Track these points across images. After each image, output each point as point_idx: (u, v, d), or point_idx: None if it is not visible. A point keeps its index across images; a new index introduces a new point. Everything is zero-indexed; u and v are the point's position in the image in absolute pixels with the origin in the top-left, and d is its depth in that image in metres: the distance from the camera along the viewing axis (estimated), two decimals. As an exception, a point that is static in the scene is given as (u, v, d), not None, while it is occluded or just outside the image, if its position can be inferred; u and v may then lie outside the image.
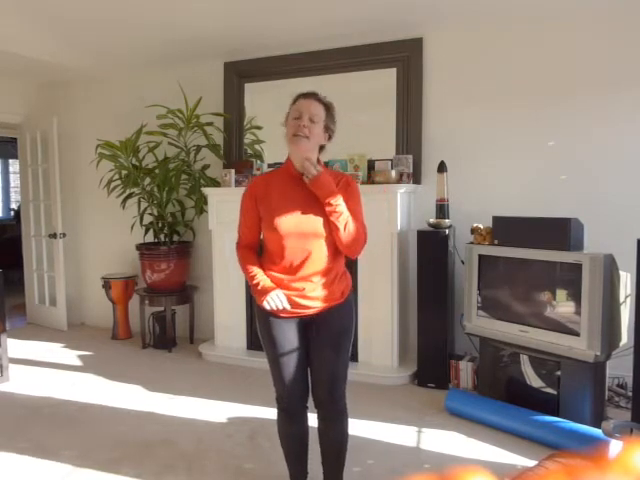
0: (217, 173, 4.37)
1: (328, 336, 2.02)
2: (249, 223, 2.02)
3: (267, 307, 1.91)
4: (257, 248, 2.07)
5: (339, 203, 1.89)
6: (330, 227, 1.92)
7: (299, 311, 1.98)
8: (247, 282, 3.98)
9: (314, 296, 1.97)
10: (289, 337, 2.01)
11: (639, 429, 2.58)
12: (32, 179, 5.35)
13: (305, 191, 1.94)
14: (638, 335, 2.57)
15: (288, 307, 1.92)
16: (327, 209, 1.89)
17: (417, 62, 3.83)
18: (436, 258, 3.46)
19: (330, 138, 2.00)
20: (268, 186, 1.99)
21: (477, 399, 3.07)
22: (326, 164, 2.14)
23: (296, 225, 1.91)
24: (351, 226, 1.91)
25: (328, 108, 1.97)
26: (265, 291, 1.92)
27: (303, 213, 1.93)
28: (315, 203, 1.92)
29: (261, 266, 2.00)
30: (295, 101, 1.97)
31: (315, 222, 1.92)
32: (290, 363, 2.02)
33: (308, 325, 2.03)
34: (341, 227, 1.89)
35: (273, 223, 1.91)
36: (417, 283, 3.55)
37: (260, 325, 2.07)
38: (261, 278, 1.96)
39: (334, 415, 2.11)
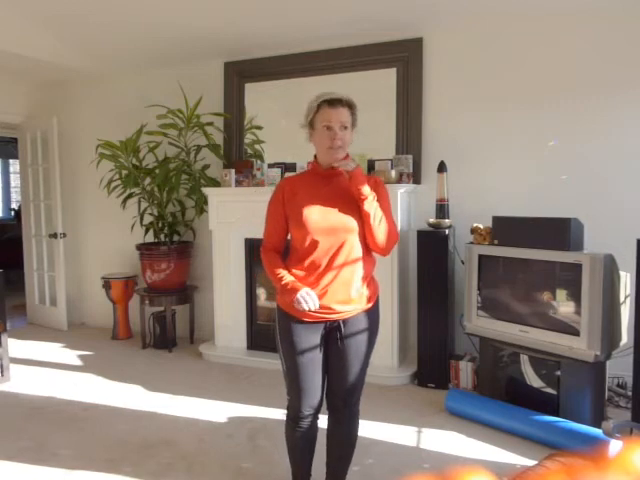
0: (217, 173, 4.37)
1: (354, 344, 1.95)
2: (277, 226, 1.99)
3: (299, 307, 1.82)
4: (282, 252, 2.03)
5: (374, 194, 1.90)
6: (362, 222, 1.90)
7: (327, 315, 1.91)
8: (247, 283, 4.07)
9: (343, 299, 1.91)
10: (312, 344, 1.93)
11: (639, 429, 2.58)
12: (32, 179, 5.36)
13: (332, 187, 1.95)
14: (638, 335, 2.58)
15: (318, 306, 1.85)
16: (362, 197, 1.87)
17: (417, 62, 3.83)
18: (436, 258, 3.46)
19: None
20: (295, 186, 1.98)
21: (477, 399, 3.07)
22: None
23: (325, 219, 1.89)
24: (384, 219, 1.90)
25: (352, 108, 1.94)
26: (295, 290, 1.85)
27: (332, 208, 1.91)
28: (343, 199, 1.92)
29: (287, 268, 1.94)
30: (319, 107, 1.90)
31: (345, 216, 1.90)
32: (311, 373, 1.93)
33: (333, 331, 1.95)
34: (373, 214, 1.87)
35: (302, 219, 1.89)
36: (417, 283, 3.55)
37: (281, 330, 1.98)
38: (290, 278, 1.89)
39: (347, 418, 2.07)
